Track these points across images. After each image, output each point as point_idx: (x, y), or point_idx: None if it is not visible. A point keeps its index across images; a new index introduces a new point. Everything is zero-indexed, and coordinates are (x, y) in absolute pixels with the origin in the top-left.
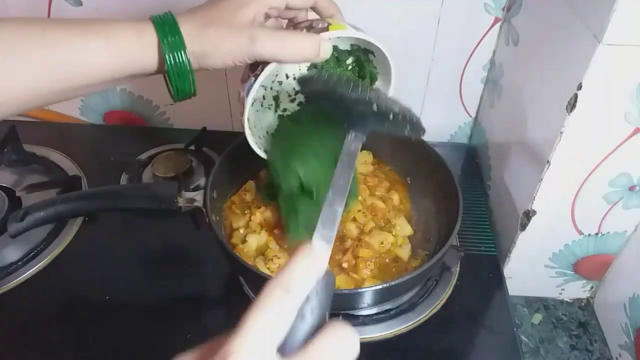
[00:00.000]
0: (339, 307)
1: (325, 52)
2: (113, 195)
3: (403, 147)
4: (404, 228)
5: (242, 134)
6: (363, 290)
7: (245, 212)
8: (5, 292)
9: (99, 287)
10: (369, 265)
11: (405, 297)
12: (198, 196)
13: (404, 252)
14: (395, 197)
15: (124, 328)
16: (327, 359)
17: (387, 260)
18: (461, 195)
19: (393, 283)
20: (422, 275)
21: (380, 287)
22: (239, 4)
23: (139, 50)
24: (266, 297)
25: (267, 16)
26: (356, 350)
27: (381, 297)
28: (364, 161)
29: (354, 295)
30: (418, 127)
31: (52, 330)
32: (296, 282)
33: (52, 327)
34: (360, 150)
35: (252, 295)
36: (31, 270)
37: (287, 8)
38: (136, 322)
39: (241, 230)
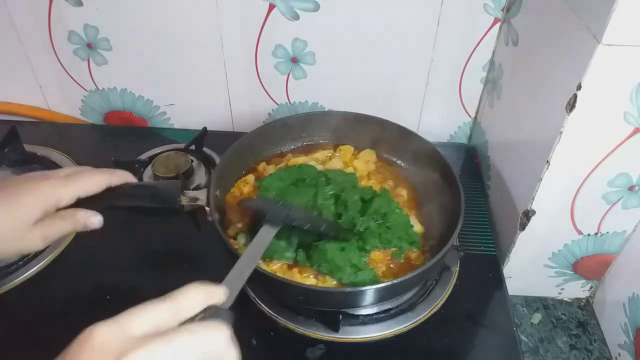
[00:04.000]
0: (339, 305)
1: None
2: (116, 194)
3: (405, 146)
4: (414, 226)
5: (243, 133)
6: (363, 288)
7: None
8: (5, 292)
9: (100, 287)
10: (381, 267)
11: (405, 297)
12: (201, 195)
13: (414, 252)
14: (404, 193)
15: None
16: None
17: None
18: (463, 196)
19: (395, 282)
20: (422, 275)
21: (380, 285)
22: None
23: None
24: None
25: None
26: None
27: (381, 296)
28: (367, 160)
29: (353, 294)
30: (334, 227)
31: (53, 331)
32: (181, 294)
33: (52, 327)
34: (362, 150)
35: (253, 295)
36: (31, 270)
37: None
38: None
39: (239, 225)
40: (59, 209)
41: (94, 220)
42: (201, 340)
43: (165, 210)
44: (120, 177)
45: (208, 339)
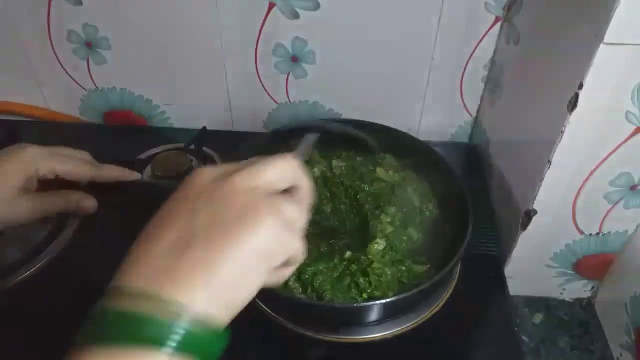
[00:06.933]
0: (339, 322)
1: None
2: (116, 190)
3: (402, 149)
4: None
5: (243, 133)
6: (366, 305)
7: None
8: (4, 292)
9: (100, 287)
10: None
11: None
12: None
13: (419, 267)
14: None
15: None
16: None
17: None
18: (471, 202)
19: (399, 297)
20: (428, 291)
21: (385, 301)
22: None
23: None
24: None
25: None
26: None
27: (386, 312)
28: None
29: (353, 310)
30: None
31: (52, 331)
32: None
33: (52, 327)
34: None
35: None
36: (31, 271)
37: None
38: None
39: None
40: (42, 182)
41: (87, 203)
42: (279, 163)
43: None
44: (108, 172)
45: (283, 163)
